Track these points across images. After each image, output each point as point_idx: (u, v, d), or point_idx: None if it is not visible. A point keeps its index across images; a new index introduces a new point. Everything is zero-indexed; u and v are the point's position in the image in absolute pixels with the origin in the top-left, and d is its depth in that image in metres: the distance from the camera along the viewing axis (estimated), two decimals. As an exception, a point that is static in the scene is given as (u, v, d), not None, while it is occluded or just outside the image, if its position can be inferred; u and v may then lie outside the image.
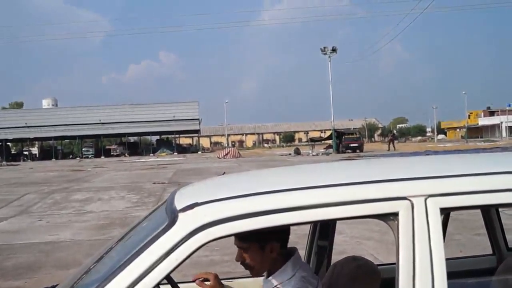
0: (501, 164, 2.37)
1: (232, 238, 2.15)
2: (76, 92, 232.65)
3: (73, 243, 10.71)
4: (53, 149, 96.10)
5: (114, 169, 41.74)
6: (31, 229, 12.69)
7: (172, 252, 1.80)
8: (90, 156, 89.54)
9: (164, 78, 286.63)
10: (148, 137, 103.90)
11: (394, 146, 63.12)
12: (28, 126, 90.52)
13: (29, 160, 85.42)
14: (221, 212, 1.84)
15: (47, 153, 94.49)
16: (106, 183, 26.11)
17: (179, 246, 1.80)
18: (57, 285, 2.67)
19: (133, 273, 1.78)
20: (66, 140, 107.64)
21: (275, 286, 2.35)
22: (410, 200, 1.86)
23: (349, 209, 1.89)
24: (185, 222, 1.83)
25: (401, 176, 2.01)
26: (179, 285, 2.51)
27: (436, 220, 1.85)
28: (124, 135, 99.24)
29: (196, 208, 1.86)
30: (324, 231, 3.25)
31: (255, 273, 2.41)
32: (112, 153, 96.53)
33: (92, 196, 19.52)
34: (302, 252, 3.39)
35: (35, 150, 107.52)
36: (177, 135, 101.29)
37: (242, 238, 2.28)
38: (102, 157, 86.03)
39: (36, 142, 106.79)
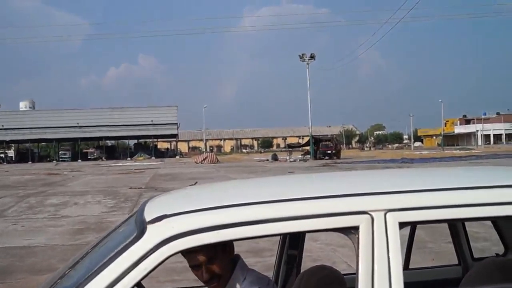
0: (459, 180, 2.46)
1: None
2: (54, 95, 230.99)
3: (47, 248, 10.65)
4: (30, 152, 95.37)
5: (90, 173, 41.50)
6: (5, 233, 12.58)
7: (140, 263, 1.84)
8: (67, 159, 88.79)
9: (143, 82, 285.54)
10: (126, 141, 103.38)
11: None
12: (5, 129, 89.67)
13: (5, 163, 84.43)
14: (189, 224, 1.89)
15: (23, 156, 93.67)
16: (82, 187, 25.95)
17: (147, 257, 1.85)
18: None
19: (101, 283, 1.83)
20: (43, 143, 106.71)
21: None
22: (370, 215, 1.93)
23: (312, 222, 1.95)
24: (153, 234, 1.88)
25: (362, 191, 2.08)
26: None
27: (395, 233, 1.92)
28: (101, 138, 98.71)
29: (164, 220, 1.91)
30: (294, 240, 3.32)
31: (223, 282, 2.37)
32: (89, 157, 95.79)
33: (68, 201, 19.40)
34: (274, 259, 3.47)
35: (11, 153, 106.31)
36: (155, 140, 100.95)
37: (207, 248, 2.17)
38: (79, 160, 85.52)
39: (13, 145, 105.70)
